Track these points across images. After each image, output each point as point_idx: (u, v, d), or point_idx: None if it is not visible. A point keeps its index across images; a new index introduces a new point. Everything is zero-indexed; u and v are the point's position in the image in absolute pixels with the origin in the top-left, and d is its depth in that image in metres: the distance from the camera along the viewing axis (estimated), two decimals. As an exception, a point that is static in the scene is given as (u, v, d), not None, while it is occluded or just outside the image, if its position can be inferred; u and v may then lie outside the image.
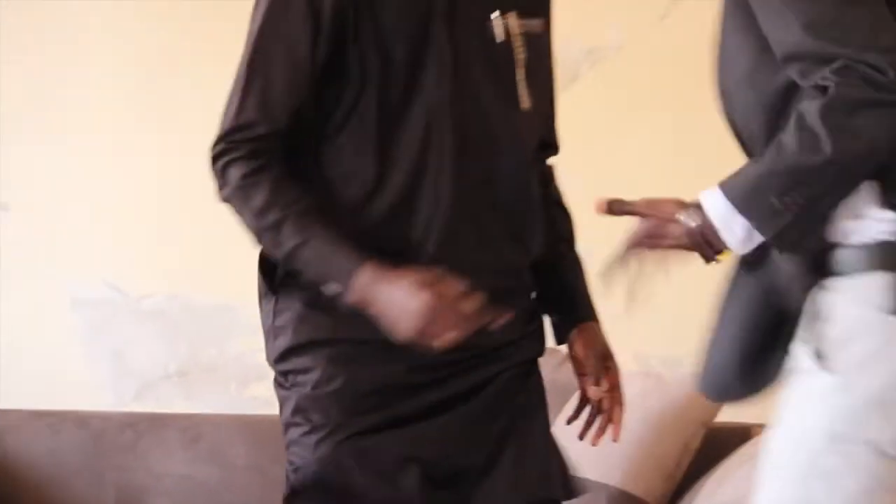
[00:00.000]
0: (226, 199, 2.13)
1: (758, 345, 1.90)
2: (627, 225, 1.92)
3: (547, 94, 2.34)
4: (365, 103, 2.12)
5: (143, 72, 3.98)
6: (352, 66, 2.12)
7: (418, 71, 2.13)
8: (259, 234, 2.11)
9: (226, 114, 2.14)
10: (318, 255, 2.07)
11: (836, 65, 1.73)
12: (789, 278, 1.84)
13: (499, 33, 2.19)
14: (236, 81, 2.13)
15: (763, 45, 1.83)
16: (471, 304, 2.02)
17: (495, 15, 2.19)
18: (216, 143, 2.13)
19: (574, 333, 2.30)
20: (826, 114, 1.73)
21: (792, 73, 1.80)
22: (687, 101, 3.57)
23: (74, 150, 3.97)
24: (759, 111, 1.87)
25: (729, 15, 1.90)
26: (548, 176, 2.36)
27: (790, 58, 1.79)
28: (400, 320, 2.03)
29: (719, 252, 1.86)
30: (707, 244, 1.85)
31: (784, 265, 1.84)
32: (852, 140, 1.74)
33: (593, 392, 2.26)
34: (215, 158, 2.13)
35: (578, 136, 3.67)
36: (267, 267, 2.19)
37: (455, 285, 2.02)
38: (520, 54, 2.21)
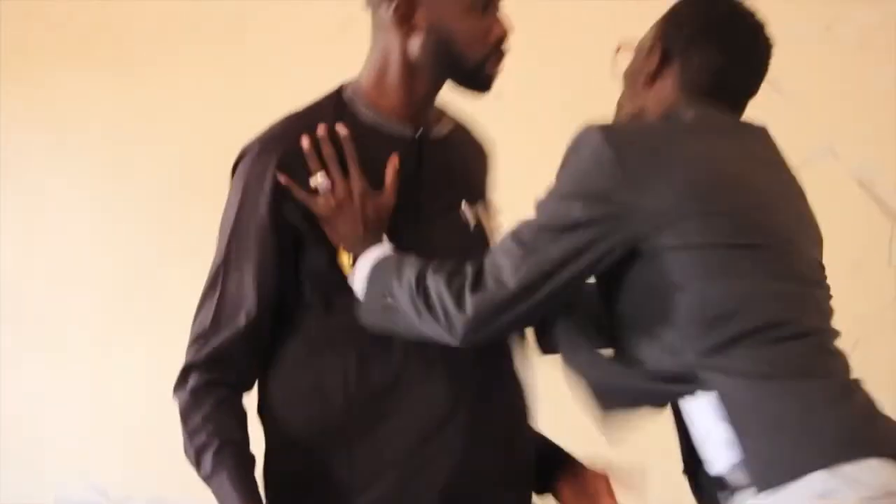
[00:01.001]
0: (176, 400, 2.24)
1: None
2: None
3: None
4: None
5: (130, 273, 4.10)
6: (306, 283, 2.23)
7: None
8: (187, 448, 2.21)
9: (193, 323, 2.26)
10: (221, 493, 2.17)
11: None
12: None
13: (469, 221, 2.32)
14: (203, 292, 2.26)
15: None
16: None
17: (464, 205, 2.32)
18: (187, 350, 2.25)
19: (561, 475, 2.35)
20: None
21: None
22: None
23: (60, 350, 4.06)
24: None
25: None
26: None
27: None
28: None
29: None
30: None
31: None
32: None
33: None
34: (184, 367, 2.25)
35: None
36: None
37: None
38: (490, 242, 2.32)
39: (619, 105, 2.23)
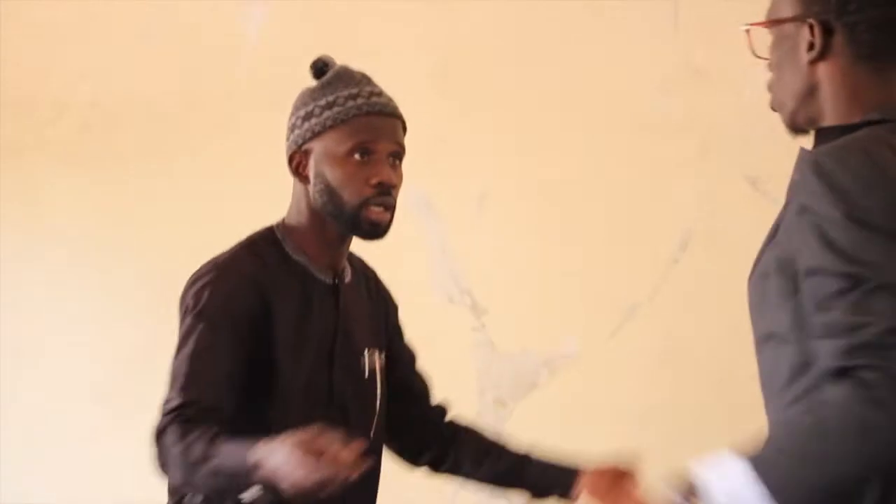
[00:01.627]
0: (162, 464, 2.33)
1: None
2: None
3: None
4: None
5: (119, 365, 4.07)
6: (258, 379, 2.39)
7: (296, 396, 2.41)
8: (189, 473, 2.27)
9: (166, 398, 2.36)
10: (226, 456, 2.22)
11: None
12: None
13: (366, 370, 2.50)
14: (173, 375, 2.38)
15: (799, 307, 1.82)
16: (347, 452, 2.14)
17: (366, 352, 2.51)
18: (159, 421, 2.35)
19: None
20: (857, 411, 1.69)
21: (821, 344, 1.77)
22: (639, 406, 3.68)
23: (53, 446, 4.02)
24: (780, 371, 1.88)
25: (771, 273, 1.91)
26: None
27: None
28: (285, 471, 2.14)
29: None
30: None
31: None
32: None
33: None
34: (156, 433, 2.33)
35: (539, 444, 3.77)
36: None
37: (331, 436, 2.16)
38: (382, 388, 2.52)
39: (773, 91, 2.04)
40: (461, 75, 3.91)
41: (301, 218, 2.48)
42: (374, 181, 2.39)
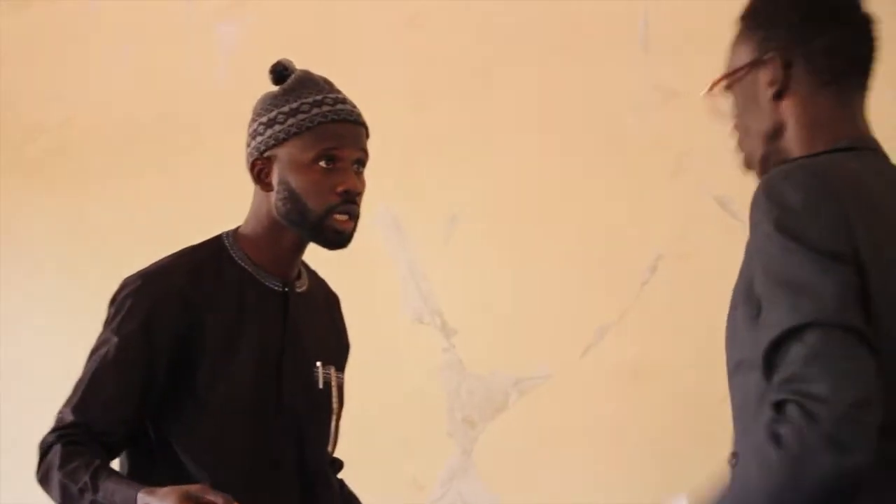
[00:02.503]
0: (42, 480, 2.33)
1: None
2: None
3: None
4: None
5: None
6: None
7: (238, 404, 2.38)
8: (68, 500, 2.27)
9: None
10: (110, 493, 2.22)
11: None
12: None
13: (320, 381, 2.47)
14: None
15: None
16: None
17: (318, 365, 2.47)
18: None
19: None
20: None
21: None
22: (608, 427, 3.68)
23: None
24: (748, 400, 1.84)
25: (739, 303, 1.88)
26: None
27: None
28: None
29: None
30: None
31: None
32: None
33: None
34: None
35: (508, 464, 3.77)
36: None
37: (218, 496, 2.14)
38: (335, 403, 2.49)
39: (743, 148, 2.02)
40: (434, 97, 3.92)
41: (258, 225, 2.45)
42: (339, 189, 2.36)
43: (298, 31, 4.07)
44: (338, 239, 2.39)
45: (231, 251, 2.45)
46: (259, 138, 2.42)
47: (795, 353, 1.67)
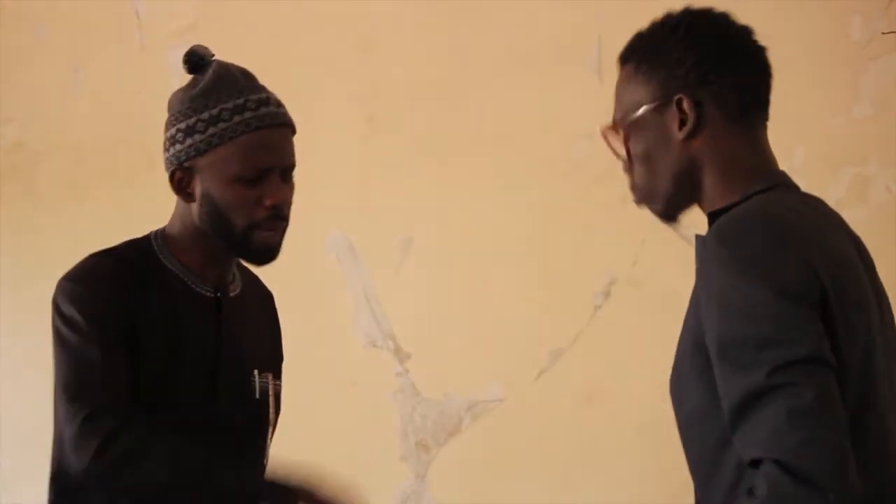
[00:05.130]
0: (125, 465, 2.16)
1: None
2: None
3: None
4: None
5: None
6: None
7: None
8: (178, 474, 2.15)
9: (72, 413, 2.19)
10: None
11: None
12: None
13: (257, 390, 2.34)
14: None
15: (714, 390, 1.77)
16: None
17: (255, 373, 2.34)
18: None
19: None
20: None
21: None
22: (561, 451, 3.68)
23: None
24: (705, 450, 1.84)
25: (687, 354, 1.87)
26: None
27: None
28: None
29: None
30: None
31: None
32: None
33: None
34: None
35: (462, 488, 3.77)
36: None
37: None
38: (272, 413, 2.37)
39: (641, 185, 2.04)
40: (387, 121, 3.92)
41: (185, 231, 2.30)
42: (267, 202, 2.22)
43: (252, 55, 4.06)
44: (264, 255, 2.26)
45: (160, 254, 2.30)
46: (178, 146, 2.25)
47: (771, 409, 1.66)
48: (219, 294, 2.32)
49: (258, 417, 2.35)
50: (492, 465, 3.76)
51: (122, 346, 2.19)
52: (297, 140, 3.94)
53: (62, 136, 4.25)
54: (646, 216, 3.62)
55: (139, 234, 4.01)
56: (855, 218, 3.48)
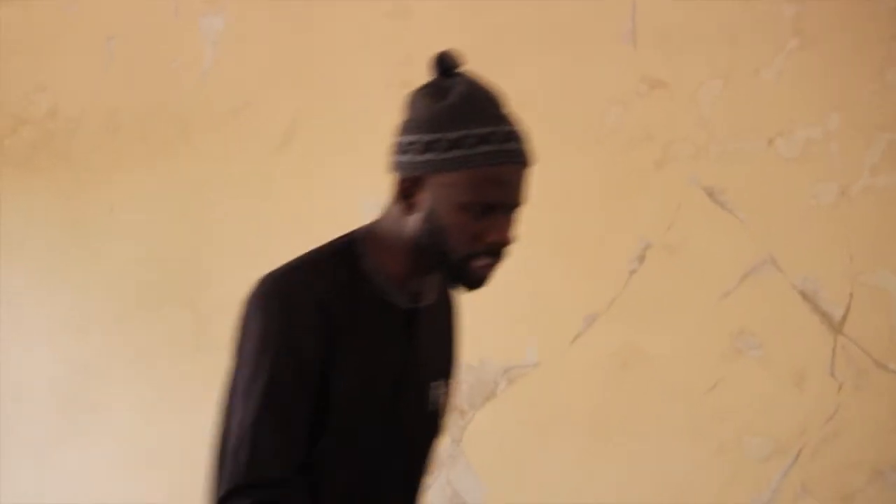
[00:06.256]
0: None
1: None
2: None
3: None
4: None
5: (77, 375, 4.03)
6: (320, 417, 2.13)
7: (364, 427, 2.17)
8: None
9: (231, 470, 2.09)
10: None
11: None
12: None
13: (432, 402, 2.26)
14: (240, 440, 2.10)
15: None
16: None
17: (433, 385, 2.27)
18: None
19: None
20: None
21: None
22: (596, 414, 3.70)
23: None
24: None
25: None
26: None
27: None
28: None
29: None
30: None
31: None
32: None
33: None
34: None
35: (497, 452, 3.79)
36: None
37: None
38: (443, 421, 2.31)
39: None
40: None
41: (397, 239, 2.17)
42: (489, 239, 2.12)
43: (284, 22, 4.08)
44: (472, 284, 2.15)
45: (362, 260, 2.18)
46: (414, 156, 2.14)
47: None
48: (415, 305, 2.23)
49: (430, 430, 2.29)
50: (527, 429, 3.78)
51: (312, 383, 2.10)
52: (333, 105, 3.97)
53: (96, 105, 4.27)
54: (680, 181, 3.64)
55: (171, 203, 4.07)
56: (889, 184, 3.51)
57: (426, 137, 2.14)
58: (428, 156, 2.12)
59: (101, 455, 4.13)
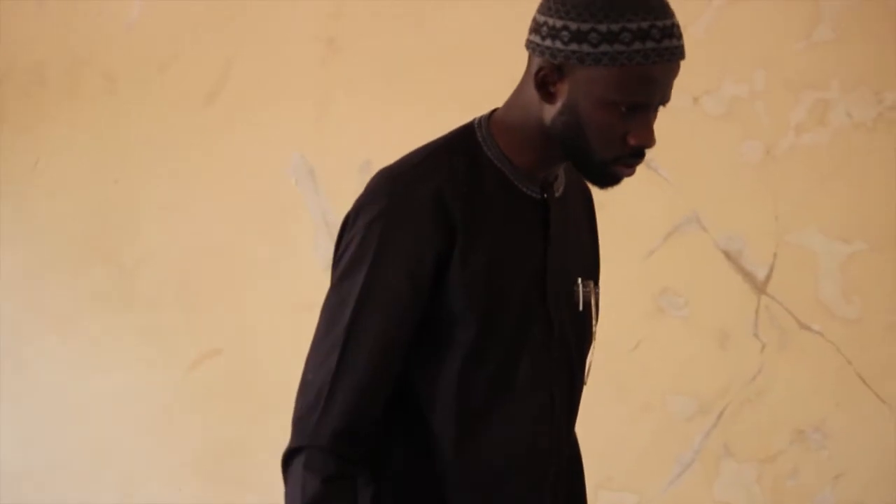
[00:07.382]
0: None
1: None
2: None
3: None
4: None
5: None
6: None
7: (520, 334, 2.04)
8: None
9: (305, 414, 1.98)
10: None
11: None
12: None
13: (580, 302, 2.11)
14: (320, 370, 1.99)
15: None
16: None
17: (579, 282, 2.11)
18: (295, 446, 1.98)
19: None
20: None
21: None
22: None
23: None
24: None
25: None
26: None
27: None
28: None
29: None
30: None
31: None
32: None
33: None
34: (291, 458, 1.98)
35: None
36: None
37: None
38: (594, 324, 2.14)
39: None
40: (348, 41, 3.90)
41: (525, 127, 2.02)
42: (633, 142, 1.95)
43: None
44: (610, 183, 2.01)
45: (486, 149, 2.03)
46: (559, 44, 1.93)
47: None
48: (545, 195, 2.07)
49: (583, 332, 2.11)
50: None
51: (422, 301, 1.96)
52: (262, 58, 3.94)
53: (22, 58, 4.21)
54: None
55: (103, 157, 4.02)
56: (814, 142, 3.53)
57: (574, 25, 1.93)
58: (574, 46, 1.92)
59: (25, 413, 4.09)
